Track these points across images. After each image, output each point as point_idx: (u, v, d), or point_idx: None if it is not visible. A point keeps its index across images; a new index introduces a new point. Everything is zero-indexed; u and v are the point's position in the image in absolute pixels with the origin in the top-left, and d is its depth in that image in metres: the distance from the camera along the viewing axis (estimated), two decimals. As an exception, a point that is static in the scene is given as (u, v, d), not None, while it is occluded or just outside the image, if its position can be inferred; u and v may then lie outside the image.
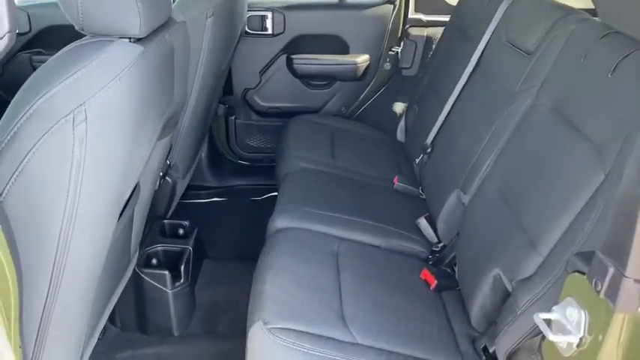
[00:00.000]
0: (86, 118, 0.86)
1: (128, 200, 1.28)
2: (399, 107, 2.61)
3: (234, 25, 2.07)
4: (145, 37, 1.03)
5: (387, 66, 2.62)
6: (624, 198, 0.77)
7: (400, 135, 2.49)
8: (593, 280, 0.77)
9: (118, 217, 1.09)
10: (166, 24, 1.17)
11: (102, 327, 1.42)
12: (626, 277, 0.72)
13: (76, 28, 0.99)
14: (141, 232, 1.63)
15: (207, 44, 1.77)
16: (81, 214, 0.92)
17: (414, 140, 2.21)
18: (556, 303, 0.85)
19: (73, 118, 0.84)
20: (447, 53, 2.20)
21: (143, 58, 1.00)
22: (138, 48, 1.00)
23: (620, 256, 0.73)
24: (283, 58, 2.59)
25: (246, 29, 2.50)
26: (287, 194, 1.81)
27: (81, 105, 0.85)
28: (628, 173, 0.79)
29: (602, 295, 0.75)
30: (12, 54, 2.46)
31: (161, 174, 1.70)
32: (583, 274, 0.80)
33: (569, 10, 1.55)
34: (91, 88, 0.88)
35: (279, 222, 1.64)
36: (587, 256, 0.81)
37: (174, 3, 1.80)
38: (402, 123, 2.49)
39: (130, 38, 1.01)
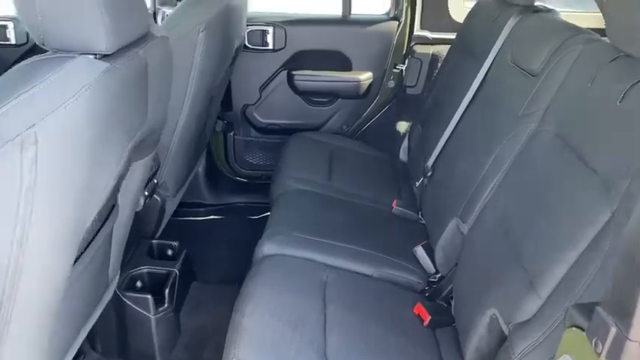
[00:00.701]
0: (36, 142, 0.78)
1: (105, 221, 1.21)
2: (402, 126, 2.53)
3: (230, 39, 2.01)
4: (113, 53, 0.96)
5: (391, 84, 2.54)
6: (630, 245, 0.67)
7: (403, 155, 2.40)
8: (594, 340, 0.67)
9: (78, 246, 1.01)
10: (143, 39, 1.10)
11: (74, 353, 1.33)
12: (630, 340, 0.62)
13: (37, 42, 0.92)
14: (121, 254, 1.55)
15: (199, 60, 1.71)
16: (33, 243, 0.84)
17: (416, 161, 2.12)
18: (554, 353, 0.75)
19: (22, 142, 0.77)
20: (452, 72, 2.11)
21: (107, 76, 0.92)
22: (102, 65, 0.93)
23: (623, 315, 0.63)
24: (284, 74, 2.53)
25: (246, 44, 2.44)
26: (277, 217, 1.73)
27: (30, 127, 0.77)
28: (637, 217, 0.69)
29: (602, 358, 0.65)
30: (9, 65, 2.41)
31: (146, 193, 1.63)
32: (582, 330, 0.71)
33: (577, 30, 1.46)
34: (43, 108, 0.80)
35: (267, 247, 1.55)
36: (588, 310, 0.71)
37: (167, 18, 1.75)
38: (405, 143, 2.40)
39: (96, 54, 0.94)
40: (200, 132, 2.10)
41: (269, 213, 1.85)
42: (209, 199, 2.63)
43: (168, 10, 2.38)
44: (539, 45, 1.50)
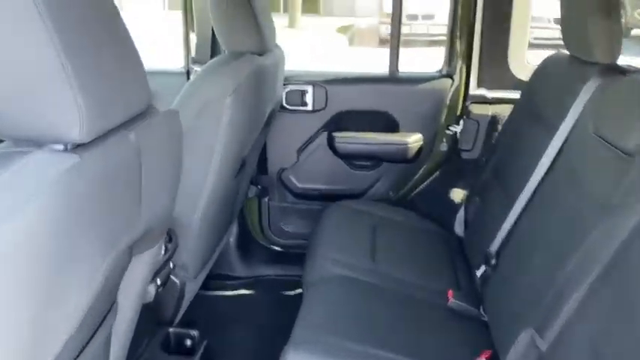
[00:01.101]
0: None
1: (103, 320, 0.99)
2: (457, 195, 2.24)
3: (263, 103, 1.80)
4: (91, 141, 0.74)
5: (444, 147, 2.27)
6: None
7: (459, 228, 2.10)
8: None
9: None
10: (139, 116, 0.89)
11: None
12: None
13: None
14: (124, 353, 1.31)
15: (225, 129, 1.50)
16: None
17: (476, 242, 1.82)
18: None
19: None
20: (517, 139, 1.83)
21: (75, 173, 0.70)
22: (69, 159, 0.71)
23: None
24: (324, 135, 2.31)
25: (284, 104, 2.25)
26: (309, 314, 1.46)
27: None
28: None
29: None
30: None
31: (159, 281, 1.40)
32: None
33: None
34: None
35: (292, 357, 1.28)
36: None
37: (187, 84, 1.56)
38: (461, 213, 2.11)
39: (66, 145, 0.73)
40: (229, 203, 1.88)
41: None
42: (239, 270, 2.40)
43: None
44: (633, 117, 1.21)
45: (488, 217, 1.77)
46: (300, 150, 2.34)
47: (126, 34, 0.84)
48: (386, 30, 11.68)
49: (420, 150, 2.27)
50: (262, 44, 1.70)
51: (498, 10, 2.18)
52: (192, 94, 1.55)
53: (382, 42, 11.62)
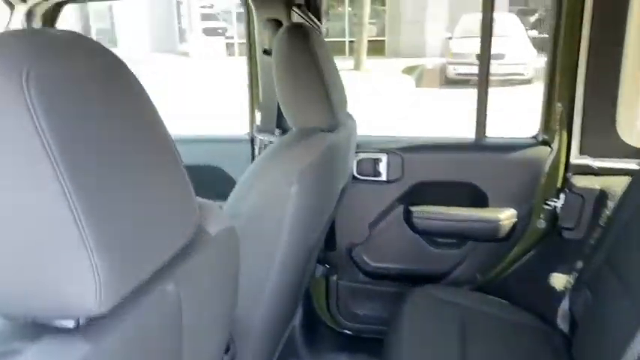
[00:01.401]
0: None
1: None
2: (558, 281, 1.90)
3: (333, 185, 1.58)
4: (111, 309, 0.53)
5: (541, 224, 1.95)
6: None
7: (563, 323, 1.77)
8: None
9: None
10: (183, 253, 0.68)
11: None
12: None
13: None
14: None
15: (289, 221, 1.29)
16: None
17: (592, 351, 1.49)
18: None
19: None
20: (638, 220, 1.50)
21: None
22: (80, 346, 0.50)
23: None
24: (400, 209, 2.05)
25: (355, 173, 2.02)
26: None
27: None
28: None
29: None
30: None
31: None
32: None
33: None
34: None
35: None
36: None
37: (245, 175, 1.36)
38: (564, 305, 1.77)
39: (79, 320, 0.52)
40: (294, 292, 1.66)
41: None
42: (305, 356, 2.15)
43: (267, 138, 2.04)
44: None
45: (606, 320, 1.44)
46: (373, 224, 2.09)
47: (167, 149, 0.65)
48: (453, 70, 11.43)
49: (513, 227, 1.96)
50: (333, 121, 1.49)
51: (604, 65, 1.88)
52: (255, 180, 1.35)
53: (449, 82, 11.37)
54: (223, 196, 2.15)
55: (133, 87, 0.62)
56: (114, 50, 0.61)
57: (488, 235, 1.97)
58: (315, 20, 1.88)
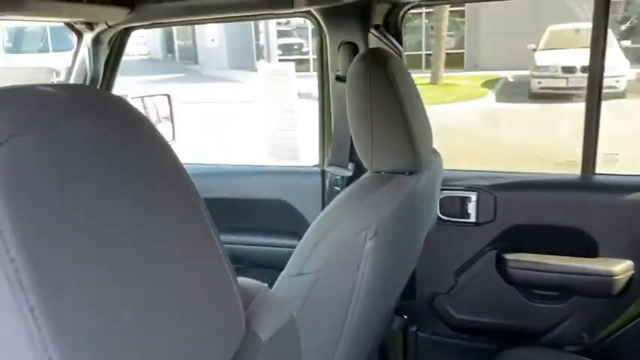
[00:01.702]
0: None
1: None
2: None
3: (416, 232, 1.37)
4: None
5: (665, 280, 1.64)
6: None
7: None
8: None
9: None
10: None
11: None
12: None
13: None
14: None
15: (366, 275, 1.10)
16: None
17: None
18: None
19: None
20: None
21: None
22: None
23: None
24: (491, 255, 1.79)
25: (439, 213, 1.78)
26: None
27: None
28: None
29: None
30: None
31: None
32: None
33: None
34: None
35: None
36: None
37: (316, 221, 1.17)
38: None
39: None
40: (368, 349, 1.45)
41: None
42: None
43: (339, 173, 1.85)
44: None
45: None
46: (459, 272, 1.84)
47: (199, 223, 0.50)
48: (538, 83, 10.81)
49: (629, 282, 1.65)
50: (417, 162, 1.27)
51: None
52: (327, 232, 1.16)
53: (533, 97, 10.75)
54: (290, 233, 2.00)
55: (152, 152, 0.47)
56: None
57: (600, 291, 1.68)
58: (396, 43, 1.67)
